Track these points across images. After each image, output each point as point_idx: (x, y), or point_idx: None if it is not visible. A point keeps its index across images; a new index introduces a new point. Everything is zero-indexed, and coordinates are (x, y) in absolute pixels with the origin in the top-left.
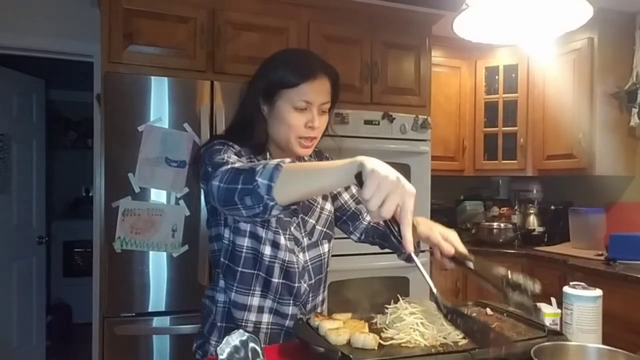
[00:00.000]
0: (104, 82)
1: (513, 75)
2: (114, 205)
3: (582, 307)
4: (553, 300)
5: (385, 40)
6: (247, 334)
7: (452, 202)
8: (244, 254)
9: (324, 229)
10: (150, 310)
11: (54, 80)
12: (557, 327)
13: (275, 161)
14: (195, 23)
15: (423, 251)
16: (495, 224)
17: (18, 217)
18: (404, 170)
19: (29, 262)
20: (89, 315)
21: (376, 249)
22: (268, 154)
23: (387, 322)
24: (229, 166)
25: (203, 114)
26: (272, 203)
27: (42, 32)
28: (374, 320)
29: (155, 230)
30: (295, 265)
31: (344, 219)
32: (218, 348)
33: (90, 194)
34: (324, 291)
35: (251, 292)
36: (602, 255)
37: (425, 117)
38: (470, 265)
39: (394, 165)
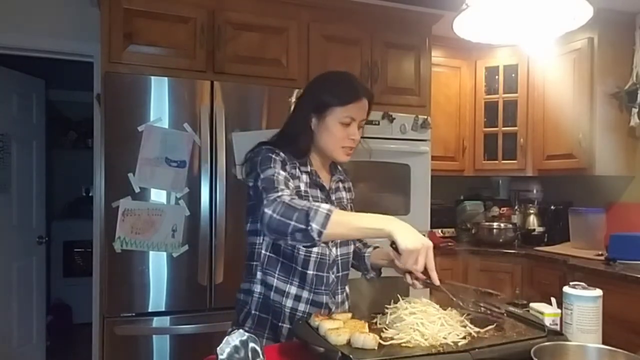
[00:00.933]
0: (104, 82)
1: (513, 75)
2: (114, 205)
3: (582, 307)
4: (553, 300)
5: (385, 40)
6: (247, 334)
7: (452, 202)
8: (282, 248)
9: None
10: (150, 310)
11: (54, 80)
12: (557, 327)
13: (325, 208)
14: (195, 23)
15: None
16: (495, 224)
17: (18, 217)
18: (404, 170)
19: (29, 262)
20: (89, 315)
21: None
22: (309, 159)
23: (387, 322)
24: (280, 198)
25: (203, 114)
26: (319, 243)
27: (42, 32)
28: (374, 320)
29: (155, 230)
30: (327, 258)
31: None
32: (218, 348)
33: (90, 194)
34: (346, 286)
35: (290, 281)
36: (602, 255)
37: (425, 117)
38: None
39: (394, 165)
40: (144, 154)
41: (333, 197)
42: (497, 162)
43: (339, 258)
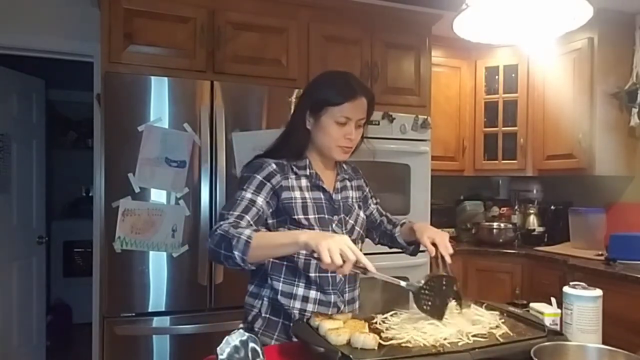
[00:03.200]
0: (104, 82)
1: (513, 75)
2: (114, 205)
3: (582, 307)
4: (553, 300)
5: (385, 40)
6: (247, 334)
7: (452, 202)
8: None
9: (360, 231)
10: (150, 310)
11: (54, 80)
12: (557, 327)
13: (245, 236)
14: (195, 23)
15: (422, 251)
16: (495, 224)
17: (18, 217)
18: (404, 170)
19: (29, 262)
20: (89, 315)
21: (376, 249)
22: (307, 161)
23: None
24: (219, 228)
25: (203, 114)
26: (247, 267)
27: (42, 32)
28: (374, 320)
29: (155, 230)
30: None
31: (370, 228)
32: (218, 348)
33: (90, 194)
34: (358, 286)
35: (296, 283)
36: (602, 255)
37: (425, 117)
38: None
39: (394, 165)
40: (144, 154)
41: (338, 197)
42: (497, 162)
43: None
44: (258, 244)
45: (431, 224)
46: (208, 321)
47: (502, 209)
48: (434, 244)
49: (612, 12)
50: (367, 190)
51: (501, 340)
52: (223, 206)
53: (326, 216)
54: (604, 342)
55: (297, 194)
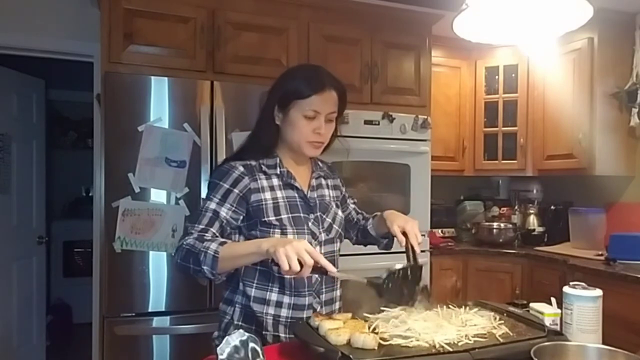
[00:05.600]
0: (104, 82)
1: (513, 75)
2: (114, 205)
3: (582, 307)
4: (553, 300)
5: (385, 40)
6: (247, 334)
7: (452, 202)
8: None
9: (339, 229)
10: (150, 310)
11: (54, 80)
12: (557, 327)
13: (212, 250)
14: (195, 23)
15: (423, 251)
16: (495, 224)
17: (18, 217)
18: (404, 170)
19: (29, 262)
20: (89, 315)
21: (370, 250)
22: (278, 159)
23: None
24: (185, 242)
25: (203, 114)
26: (217, 279)
27: (42, 32)
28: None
29: (155, 230)
30: None
31: (348, 227)
32: (218, 348)
33: (90, 194)
34: (340, 287)
35: (269, 288)
36: (602, 255)
37: (425, 117)
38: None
39: (394, 165)
40: (144, 154)
41: (314, 195)
42: (497, 162)
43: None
44: (225, 256)
45: (431, 224)
46: (208, 321)
47: (502, 209)
48: (404, 233)
49: (612, 12)
50: (344, 190)
51: (501, 340)
52: (189, 218)
53: (301, 215)
54: (604, 342)
55: (268, 194)
